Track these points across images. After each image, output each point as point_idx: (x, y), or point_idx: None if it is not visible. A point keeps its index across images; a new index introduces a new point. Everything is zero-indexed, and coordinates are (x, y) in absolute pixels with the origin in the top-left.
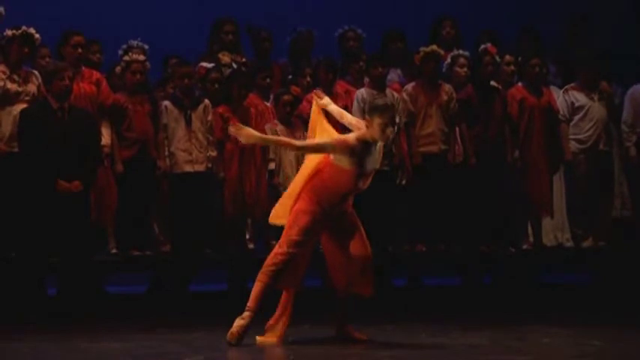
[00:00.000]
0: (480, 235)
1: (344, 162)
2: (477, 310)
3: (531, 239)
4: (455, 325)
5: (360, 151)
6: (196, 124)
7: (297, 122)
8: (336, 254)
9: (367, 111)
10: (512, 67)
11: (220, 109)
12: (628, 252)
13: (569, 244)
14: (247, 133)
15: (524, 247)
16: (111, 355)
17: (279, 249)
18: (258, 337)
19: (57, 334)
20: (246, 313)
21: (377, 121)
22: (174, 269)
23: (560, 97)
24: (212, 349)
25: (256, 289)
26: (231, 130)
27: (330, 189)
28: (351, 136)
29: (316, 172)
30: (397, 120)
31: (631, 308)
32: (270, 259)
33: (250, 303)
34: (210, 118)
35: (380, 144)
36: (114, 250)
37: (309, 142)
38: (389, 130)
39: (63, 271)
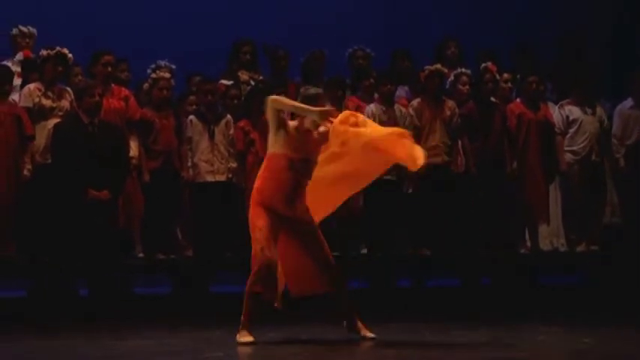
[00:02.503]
0: (480, 239)
1: (277, 145)
2: (477, 310)
3: (529, 244)
4: (456, 324)
5: (293, 135)
6: (219, 137)
7: None
8: (293, 258)
9: (299, 101)
10: (509, 85)
11: (241, 124)
12: (617, 256)
13: (564, 248)
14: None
15: (522, 251)
16: (136, 352)
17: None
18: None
19: (88, 333)
20: (241, 331)
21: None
22: (196, 272)
23: (556, 112)
24: (231, 347)
25: (245, 303)
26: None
27: (271, 185)
28: (289, 120)
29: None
30: None
31: (620, 308)
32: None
33: (242, 317)
34: (231, 131)
35: (316, 134)
36: (140, 255)
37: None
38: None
39: (94, 274)
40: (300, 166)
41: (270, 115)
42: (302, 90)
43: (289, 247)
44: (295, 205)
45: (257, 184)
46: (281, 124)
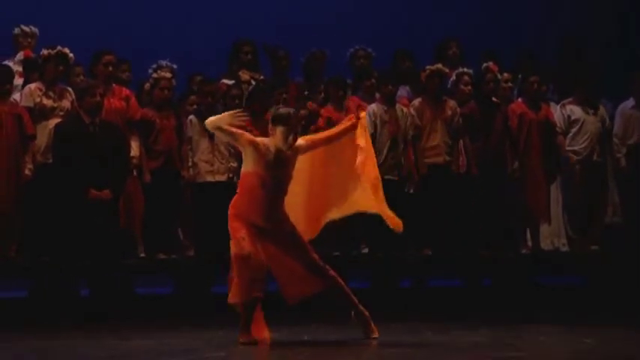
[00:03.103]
0: (481, 240)
1: (249, 164)
2: (478, 310)
3: (530, 244)
4: (457, 324)
5: (261, 153)
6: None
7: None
8: (280, 266)
9: (271, 120)
10: (509, 85)
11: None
12: (618, 256)
13: (565, 248)
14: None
15: (523, 251)
16: (138, 352)
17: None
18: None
19: (88, 333)
20: (242, 332)
21: (279, 129)
22: (197, 272)
23: (558, 112)
24: (233, 346)
25: (243, 311)
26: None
27: (244, 201)
28: (259, 138)
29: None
30: (297, 131)
31: (621, 308)
32: None
33: (242, 322)
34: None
35: (288, 152)
36: (142, 254)
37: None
38: (290, 138)
39: (95, 274)
40: (272, 183)
41: (223, 138)
42: (273, 110)
43: (274, 256)
44: (272, 217)
45: (234, 199)
46: (250, 143)
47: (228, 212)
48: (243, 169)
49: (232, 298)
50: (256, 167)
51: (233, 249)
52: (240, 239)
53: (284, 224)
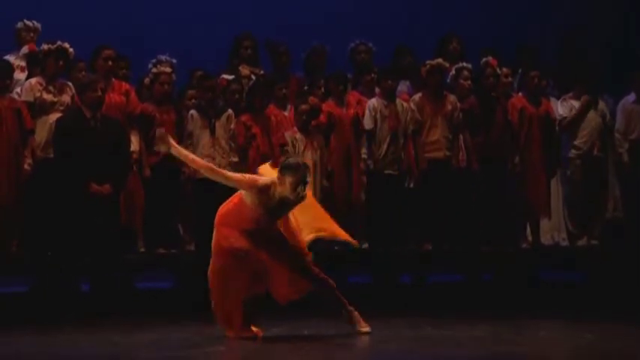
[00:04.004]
0: (481, 234)
1: (249, 198)
2: (478, 306)
3: (530, 238)
4: (458, 319)
5: (264, 196)
6: (220, 132)
7: (314, 130)
8: (270, 268)
9: (280, 169)
10: (509, 79)
11: (243, 118)
12: (619, 251)
13: (565, 243)
14: (169, 142)
15: (524, 245)
16: (139, 346)
17: None
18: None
19: (90, 328)
20: (243, 327)
21: (288, 179)
22: (198, 266)
23: (559, 106)
24: (233, 340)
25: (244, 308)
26: (159, 132)
27: (234, 218)
28: (263, 180)
29: (229, 201)
30: (308, 180)
31: (621, 304)
32: None
33: (241, 319)
34: (233, 126)
35: (293, 199)
36: (142, 249)
37: (222, 171)
38: (299, 189)
39: (95, 269)
40: (266, 221)
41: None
42: (283, 159)
43: (263, 259)
44: (261, 222)
45: (224, 208)
46: (253, 186)
47: (216, 222)
48: (242, 195)
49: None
50: (256, 206)
51: (225, 249)
52: (233, 241)
53: (272, 226)
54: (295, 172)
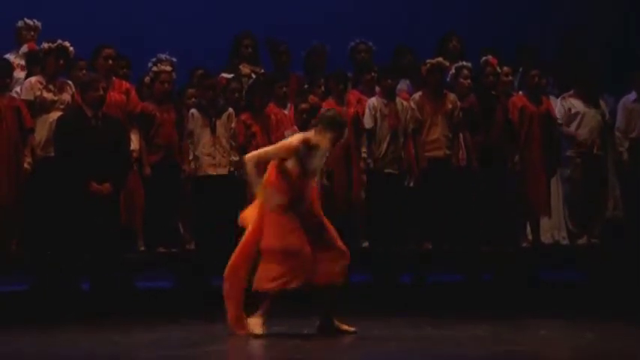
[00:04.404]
0: (481, 234)
1: (289, 164)
2: (478, 306)
3: (530, 237)
4: (458, 319)
5: (302, 152)
6: (220, 130)
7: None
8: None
9: (321, 121)
10: (509, 78)
11: (243, 117)
12: (619, 250)
13: (565, 241)
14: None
15: (524, 244)
16: (139, 346)
17: None
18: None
19: (90, 327)
20: (257, 320)
21: (329, 135)
22: (198, 265)
23: (558, 104)
24: (234, 339)
25: (269, 299)
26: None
27: (276, 188)
28: (294, 140)
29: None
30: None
31: (621, 303)
32: None
33: (262, 311)
34: (233, 125)
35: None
36: (142, 248)
37: (261, 151)
38: (338, 143)
39: (95, 268)
40: (305, 184)
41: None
42: (324, 111)
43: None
44: (307, 199)
45: (273, 190)
46: (302, 143)
47: (260, 209)
48: (280, 166)
49: (263, 284)
50: (295, 167)
51: (277, 242)
52: (287, 233)
53: (311, 207)
54: (339, 128)
